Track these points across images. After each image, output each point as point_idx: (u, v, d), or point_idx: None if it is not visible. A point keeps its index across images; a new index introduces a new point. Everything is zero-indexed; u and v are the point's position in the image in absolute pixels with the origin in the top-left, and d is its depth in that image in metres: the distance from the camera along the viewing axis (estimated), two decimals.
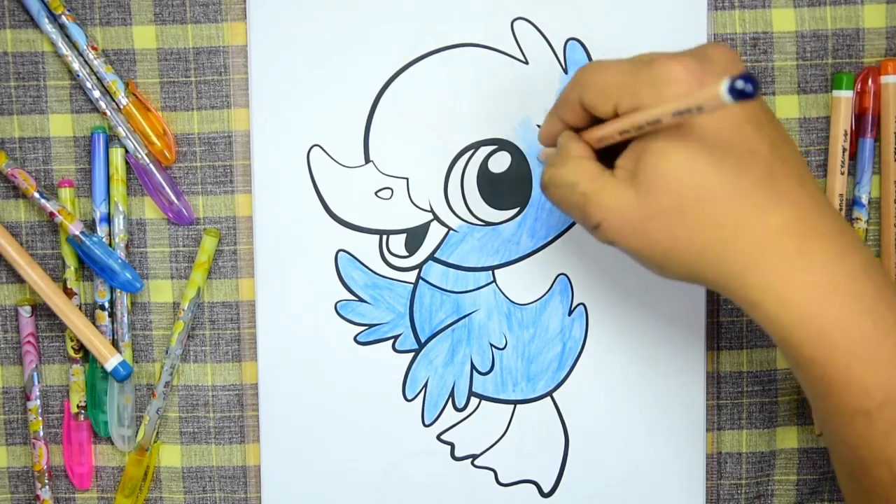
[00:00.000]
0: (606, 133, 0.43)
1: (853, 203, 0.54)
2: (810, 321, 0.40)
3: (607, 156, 0.44)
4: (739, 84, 0.35)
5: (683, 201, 0.40)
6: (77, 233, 0.52)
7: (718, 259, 0.40)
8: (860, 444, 0.41)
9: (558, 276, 0.54)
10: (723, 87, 0.35)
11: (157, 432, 0.55)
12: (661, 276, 0.43)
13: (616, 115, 0.42)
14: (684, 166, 0.40)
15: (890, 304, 0.40)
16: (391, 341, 0.54)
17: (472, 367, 0.54)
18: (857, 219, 0.53)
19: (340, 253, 0.53)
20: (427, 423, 0.54)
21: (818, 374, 0.40)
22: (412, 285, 0.54)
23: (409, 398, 0.54)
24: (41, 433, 0.55)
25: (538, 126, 0.53)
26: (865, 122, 0.53)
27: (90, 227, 0.53)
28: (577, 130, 0.45)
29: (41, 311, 0.55)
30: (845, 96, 0.53)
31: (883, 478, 0.40)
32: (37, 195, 0.52)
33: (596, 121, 0.44)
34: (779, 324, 0.40)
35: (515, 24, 0.53)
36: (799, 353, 0.40)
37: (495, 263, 0.54)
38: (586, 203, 0.42)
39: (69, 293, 0.54)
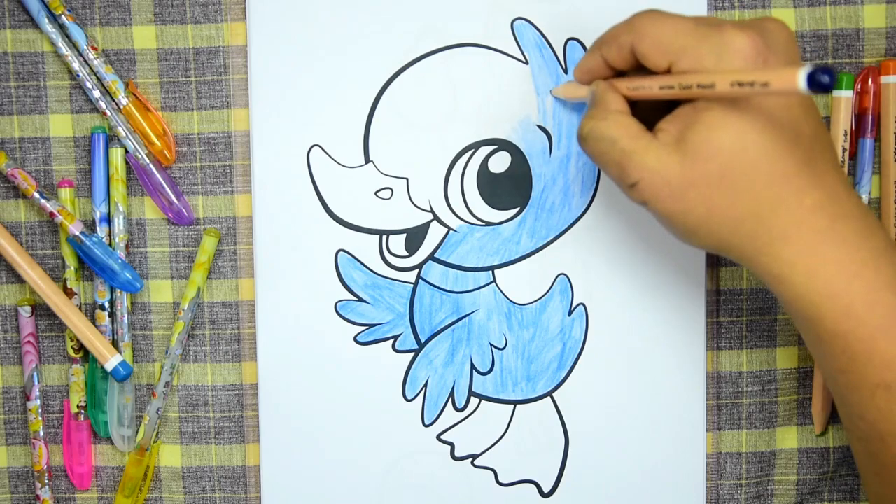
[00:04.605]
0: (646, 85, 0.43)
1: None
2: (837, 295, 0.41)
3: (636, 112, 0.44)
4: (821, 76, 0.35)
5: (727, 173, 0.41)
6: (77, 233, 0.52)
7: (752, 232, 0.41)
8: (879, 417, 0.42)
9: (558, 276, 0.54)
10: (802, 74, 0.36)
11: (157, 432, 0.55)
12: (687, 242, 0.44)
13: (667, 71, 0.42)
14: (735, 140, 0.40)
15: None
16: (391, 341, 0.54)
17: (472, 367, 0.54)
18: None
19: (340, 253, 0.53)
20: (427, 423, 0.54)
21: (840, 347, 0.42)
22: (412, 285, 0.54)
23: (409, 398, 0.54)
24: (41, 433, 0.55)
25: (538, 126, 0.53)
26: (865, 122, 0.53)
27: (90, 227, 0.53)
28: (611, 75, 0.46)
29: (41, 311, 0.55)
30: (845, 96, 0.53)
31: None
32: (37, 195, 0.52)
33: (638, 67, 0.44)
34: (805, 298, 0.41)
35: (515, 24, 0.53)
36: (822, 327, 0.42)
37: (495, 263, 0.54)
38: (626, 160, 0.42)
39: (69, 293, 0.54)
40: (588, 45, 0.52)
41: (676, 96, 0.42)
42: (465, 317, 0.54)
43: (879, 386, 0.41)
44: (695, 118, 0.41)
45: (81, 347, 0.54)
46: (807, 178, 0.41)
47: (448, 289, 0.54)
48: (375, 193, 0.53)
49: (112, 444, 0.55)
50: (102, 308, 0.54)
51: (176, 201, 0.53)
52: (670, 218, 0.42)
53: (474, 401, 0.54)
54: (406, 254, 0.54)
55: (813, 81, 0.36)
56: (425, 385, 0.54)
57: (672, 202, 0.42)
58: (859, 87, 0.53)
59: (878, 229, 0.42)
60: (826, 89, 0.36)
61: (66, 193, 0.53)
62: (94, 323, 0.54)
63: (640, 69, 0.44)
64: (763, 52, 0.40)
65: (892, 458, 0.42)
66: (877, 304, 0.41)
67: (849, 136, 0.53)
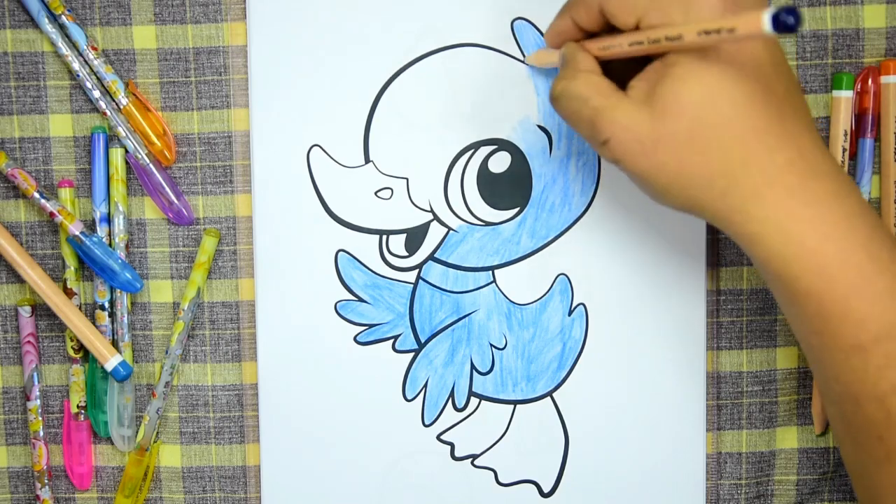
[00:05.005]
0: (616, 43, 0.43)
1: None
2: (810, 254, 0.41)
3: (610, 75, 0.44)
4: (785, 17, 0.35)
5: (696, 128, 0.40)
6: (77, 233, 0.52)
7: (724, 190, 0.41)
8: (853, 379, 0.41)
9: (558, 276, 0.54)
10: (766, 16, 0.36)
11: (157, 432, 0.55)
12: (661, 202, 0.43)
13: (635, 28, 0.42)
14: (704, 95, 0.40)
15: (884, 243, 0.41)
16: (391, 341, 0.54)
17: (472, 367, 0.54)
18: None
19: (340, 253, 0.53)
20: (427, 423, 0.54)
21: (814, 308, 0.41)
22: (412, 285, 0.54)
23: (409, 398, 0.54)
24: (41, 433, 0.55)
25: (538, 126, 0.53)
26: (865, 122, 0.53)
27: (90, 227, 0.53)
28: (582, 37, 0.46)
29: (41, 311, 0.55)
30: (845, 96, 0.53)
31: (875, 415, 0.41)
32: (37, 195, 0.52)
33: (608, 28, 0.44)
34: (778, 256, 0.41)
35: (515, 24, 0.53)
36: (795, 286, 0.41)
37: (495, 263, 0.54)
38: (597, 117, 0.42)
39: (69, 293, 0.54)
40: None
41: (646, 51, 0.42)
42: (465, 317, 0.54)
43: (854, 347, 0.41)
44: (664, 73, 0.41)
45: (81, 347, 0.54)
46: (778, 136, 0.41)
47: (448, 289, 0.54)
48: (375, 193, 0.53)
49: (112, 444, 0.55)
50: (102, 308, 0.54)
51: (176, 201, 0.53)
52: (642, 176, 0.42)
53: (474, 401, 0.54)
54: (406, 254, 0.54)
55: (778, 23, 0.35)
56: (425, 385, 0.54)
57: (643, 159, 0.41)
58: (859, 87, 0.53)
59: (852, 190, 0.42)
60: (791, 30, 0.35)
61: (66, 193, 0.53)
62: (94, 323, 0.54)
63: (609, 30, 0.44)
64: (731, 5, 0.40)
65: (864, 420, 0.42)
66: (849, 263, 0.40)
67: (849, 136, 0.53)
